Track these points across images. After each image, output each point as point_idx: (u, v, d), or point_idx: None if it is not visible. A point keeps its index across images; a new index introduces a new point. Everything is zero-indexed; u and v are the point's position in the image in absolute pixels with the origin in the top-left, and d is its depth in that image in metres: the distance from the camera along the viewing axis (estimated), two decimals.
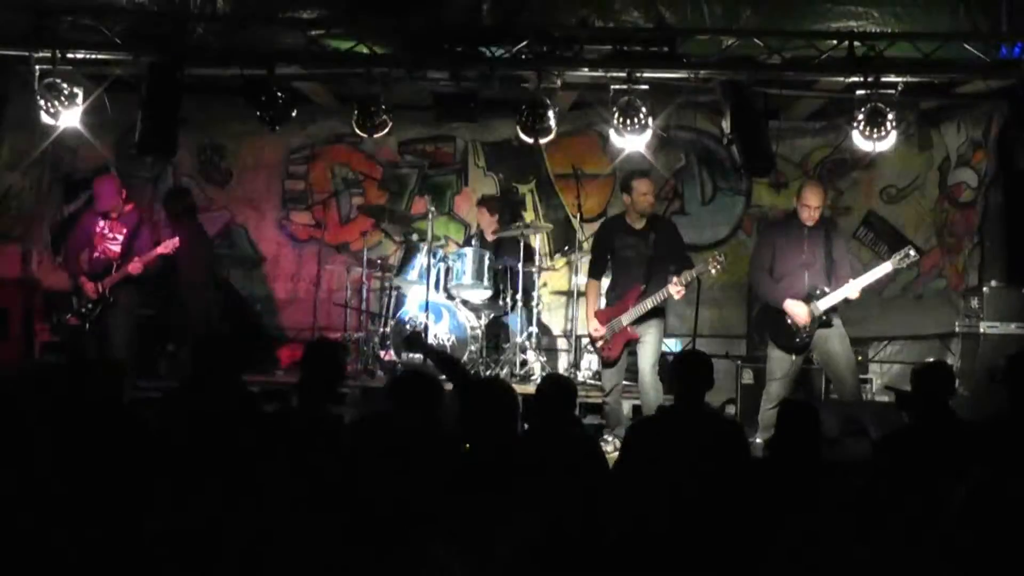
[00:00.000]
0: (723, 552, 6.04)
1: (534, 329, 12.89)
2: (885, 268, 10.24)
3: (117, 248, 11.29)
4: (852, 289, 10.18)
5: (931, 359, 10.55)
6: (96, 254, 11.34)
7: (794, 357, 10.46)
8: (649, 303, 10.58)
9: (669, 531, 6.18)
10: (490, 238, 13.08)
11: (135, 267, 11.13)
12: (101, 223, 11.41)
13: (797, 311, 10.29)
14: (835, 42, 10.45)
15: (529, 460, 6.36)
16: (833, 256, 10.44)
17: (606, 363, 10.96)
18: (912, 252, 10.26)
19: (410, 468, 5.96)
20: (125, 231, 11.36)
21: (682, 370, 7.30)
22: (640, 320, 10.67)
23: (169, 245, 11.35)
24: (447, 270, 12.59)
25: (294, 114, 11.14)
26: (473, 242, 12.94)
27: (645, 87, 10.50)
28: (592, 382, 12.44)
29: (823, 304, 10.24)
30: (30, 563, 4.93)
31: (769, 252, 10.65)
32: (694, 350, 10.02)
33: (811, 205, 10.41)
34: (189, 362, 7.81)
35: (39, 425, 5.99)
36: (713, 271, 10.59)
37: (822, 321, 10.29)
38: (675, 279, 10.41)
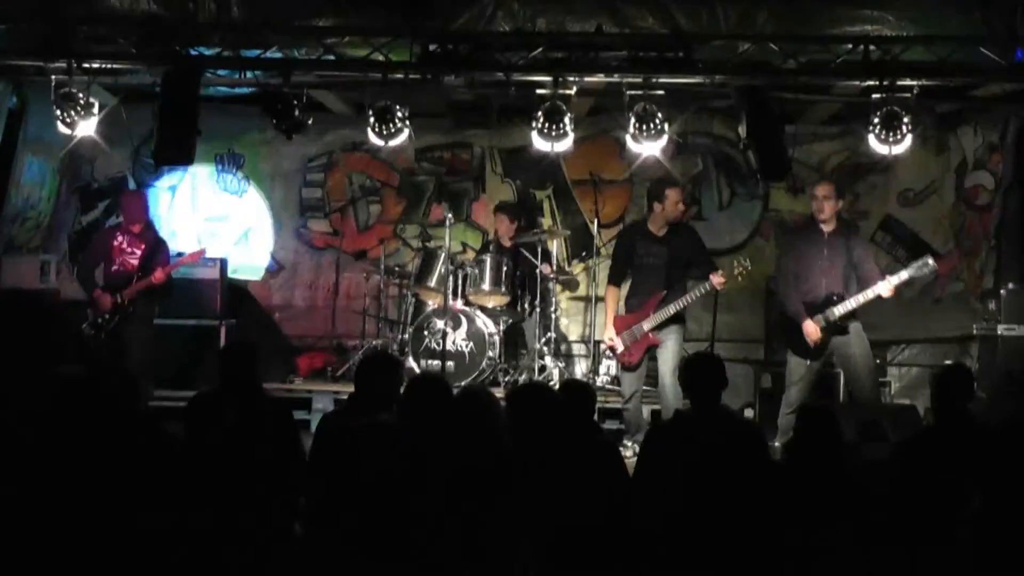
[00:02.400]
0: (741, 556, 6.03)
1: (552, 335, 12.90)
2: (901, 276, 10.19)
3: (135, 261, 11.31)
4: (884, 287, 10.15)
5: (950, 362, 10.54)
6: (115, 267, 11.35)
7: (809, 362, 10.45)
8: (671, 308, 10.62)
9: (687, 536, 6.17)
10: (507, 244, 13.09)
11: (158, 277, 11.16)
12: (119, 237, 11.43)
13: (810, 331, 10.32)
14: (851, 46, 10.41)
15: (548, 466, 6.36)
16: (854, 261, 10.42)
17: (626, 368, 10.95)
18: (931, 260, 10.19)
19: (424, 476, 5.95)
20: (143, 246, 11.38)
21: (694, 373, 7.29)
22: (661, 326, 10.69)
23: (196, 255, 11.55)
24: (465, 277, 12.61)
25: (310, 123, 11.18)
26: (491, 248, 12.97)
27: (661, 93, 10.50)
28: (611, 387, 12.43)
29: (839, 310, 10.22)
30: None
31: (792, 259, 10.66)
32: (704, 352, 10.01)
33: (819, 195, 10.48)
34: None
35: (57, 435, 5.99)
36: (739, 277, 10.62)
37: (838, 327, 10.28)
38: (717, 272, 10.53)
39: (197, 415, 7.28)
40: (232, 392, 7.31)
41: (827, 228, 10.48)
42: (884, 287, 10.12)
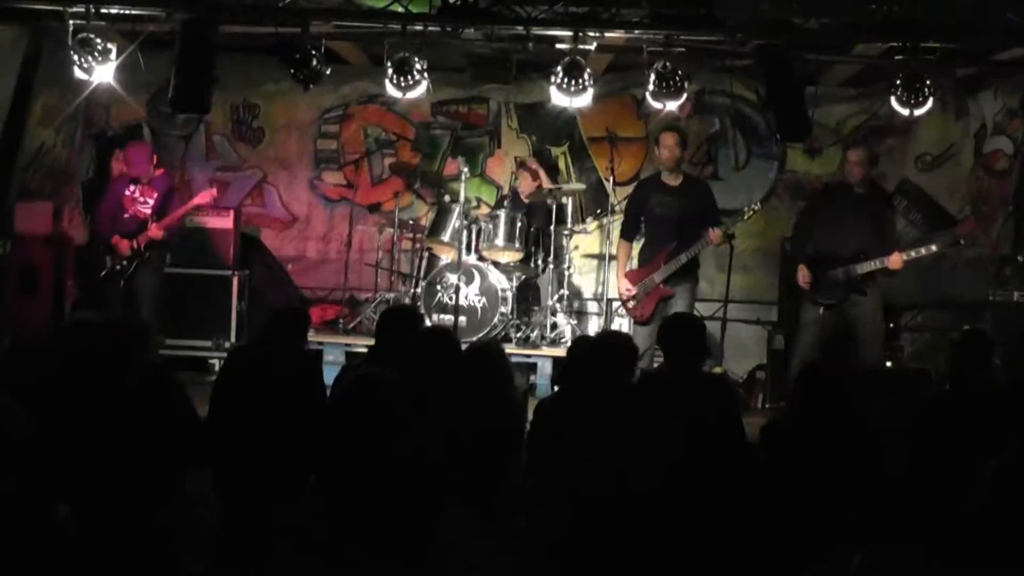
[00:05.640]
0: (712, 519, 5.98)
1: (565, 292, 12.88)
2: (931, 248, 10.24)
3: (148, 210, 11.28)
4: (895, 260, 10.16)
5: (968, 327, 10.49)
6: (127, 215, 11.32)
7: (822, 310, 10.50)
8: (683, 258, 10.56)
9: (653, 496, 6.14)
10: (527, 199, 13.06)
11: (155, 232, 11.15)
12: (131, 187, 11.39)
13: (800, 274, 10.48)
14: (873, 7, 10.35)
15: (562, 422, 6.35)
16: (885, 228, 10.48)
17: (639, 322, 10.91)
18: (962, 241, 10.57)
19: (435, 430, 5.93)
20: (156, 195, 11.35)
21: (666, 335, 7.31)
22: (672, 279, 10.66)
23: (206, 196, 11.53)
24: (479, 232, 12.58)
25: (327, 73, 11.13)
26: (505, 204, 12.92)
27: (682, 50, 10.45)
28: None
29: (861, 268, 10.28)
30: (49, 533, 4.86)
31: (811, 217, 10.70)
32: (682, 314, 9.90)
33: (851, 160, 10.60)
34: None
35: (72, 384, 5.96)
36: (747, 218, 10.63)
37: (856, 285, 10.30)
38: (714, 228, 10.45)
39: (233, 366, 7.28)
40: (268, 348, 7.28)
41: (859, 191, 10.56)
42: (895, 259, 10.18)
